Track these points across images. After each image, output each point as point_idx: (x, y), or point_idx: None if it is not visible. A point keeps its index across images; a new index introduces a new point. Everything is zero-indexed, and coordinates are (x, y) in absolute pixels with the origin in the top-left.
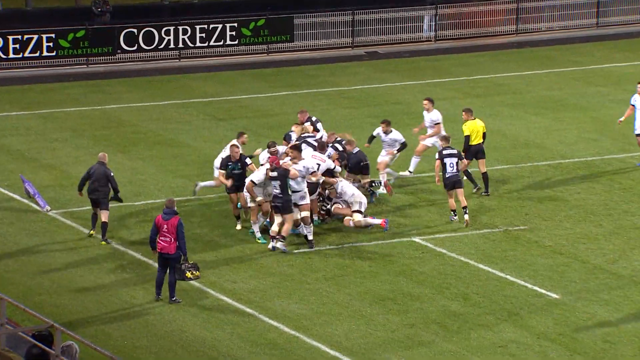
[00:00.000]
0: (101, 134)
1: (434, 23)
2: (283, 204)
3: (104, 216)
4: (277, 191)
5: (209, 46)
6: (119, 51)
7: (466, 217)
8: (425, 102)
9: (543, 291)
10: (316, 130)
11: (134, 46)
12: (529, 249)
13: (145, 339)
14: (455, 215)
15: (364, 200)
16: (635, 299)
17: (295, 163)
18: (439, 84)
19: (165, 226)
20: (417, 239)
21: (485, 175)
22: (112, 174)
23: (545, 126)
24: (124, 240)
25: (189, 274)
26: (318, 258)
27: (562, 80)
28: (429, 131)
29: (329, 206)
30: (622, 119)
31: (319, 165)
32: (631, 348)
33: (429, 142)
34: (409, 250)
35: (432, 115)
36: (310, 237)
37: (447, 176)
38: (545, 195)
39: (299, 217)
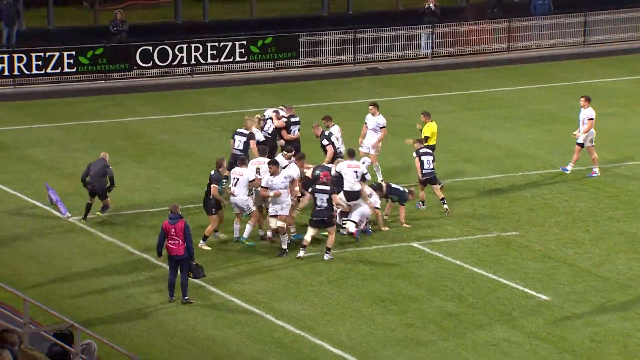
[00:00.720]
0: (118, 144)
1: (431, 41)
2: (329, 218)
3: (106, 202)
4: (324, 205)
5: (219, 62)
6: (135, 67)
7: (445, 206)
8: (371, 107)
9: (533, 293)
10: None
11: (149, 63)
12: (520, 253)
13: (159, 337)
14: (424, 205)
15: (367, 213)
16: (619, 301)
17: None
18: (436, 98)
19: (173, 230)
20: (415, 244)
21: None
22: (110, 167)
23: (537, 138)
24: (140, 244)
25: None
26: (322, 262)
27: (552, 95)
28: (371, 134)
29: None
30: (576, 132)
31: (355, 172)
32: (616, 346)
33: (373, 150)
34: (407, 254)
35: (379, 119)
36: (285, 247)
37: (423, 172)
38: (535, 202)
39: (275, 225)
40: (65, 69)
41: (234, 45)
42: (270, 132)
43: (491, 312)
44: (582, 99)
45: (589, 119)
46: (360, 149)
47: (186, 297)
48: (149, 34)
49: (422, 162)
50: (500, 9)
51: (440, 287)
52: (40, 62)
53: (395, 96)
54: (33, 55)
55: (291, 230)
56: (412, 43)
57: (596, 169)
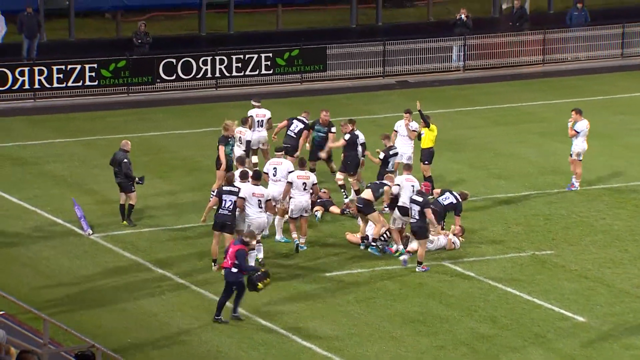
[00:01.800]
0: (141, 160)
1: (462, 53)
2: (420, 229)
3: (131, 199)
4: (417, 217)
5: (244, 75)
6: (158, 80)
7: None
8: (407, 115)
9: (570, 314)
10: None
11: (173, 75)
12: (556, 273)
13: (183, 358)
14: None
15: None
16: None
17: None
18: (468, 112)
19: (230, 249)
20: (446, 263)
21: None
22: (125, 160)
23: None
24: (163, 263)
25: (260, 285)
26: (349, 281)
27: (588, 109)
28: (403, 140)
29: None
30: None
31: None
32: None
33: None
34: (438, 273)
35: (412, 125)
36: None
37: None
38: (571, 220)
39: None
40: (87, 82)
41: (259, 58)
42: (296, 132)
43: (525, 334)
44: (574, 112)
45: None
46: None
47: (219, 317)
48: (173, 46)
49: (387, 163)
50: (524, 22)
51: (472, 308)
52: (61, 75)
53: (426, 110)
54: (54, 68)
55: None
56: (443, 55)
57: (576, 183)
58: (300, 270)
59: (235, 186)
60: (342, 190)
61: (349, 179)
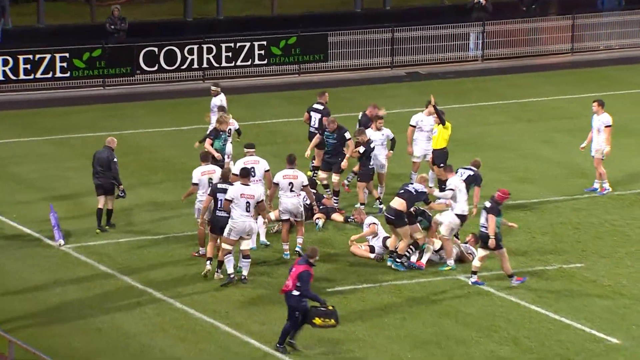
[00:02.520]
0: (119, 161)
1: (480, 41)
2: (485, 237)
3: (109, 203)
4: (485, 224)
5: (235, 66)
6: (138, 72)
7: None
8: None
9: (602, 335)
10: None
11: (155, 66)
12: (586, 289)
13: None
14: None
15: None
16: None
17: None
18: (487, 108)
19: (293, 269)
20: (462, 277)
21: None
22: (115, 160)
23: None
24: (143, 277)
25: (318, 321)
26: (354, 298)
27: (622, 104)
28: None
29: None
30: (584, 144)
31: None
32: None
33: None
34: (453, 289)
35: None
36: (230, 271)
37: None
38: (603, 229)
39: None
40: (58, 74)
41: (252, 46)
42: (316, 126)
43: (551, 357)
44: (595, 104)
45: (605, 127)
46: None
47: (281, 346)
48: (155, 32)
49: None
50: (538, 6)
51: (491, 328)
52: (28, 66)
53: (439, 105)
54: (20, 57)
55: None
56: (459, 43)
57: (605, 185)
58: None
59: (230, 184)
60: (327, 189)
61: (365, 188)
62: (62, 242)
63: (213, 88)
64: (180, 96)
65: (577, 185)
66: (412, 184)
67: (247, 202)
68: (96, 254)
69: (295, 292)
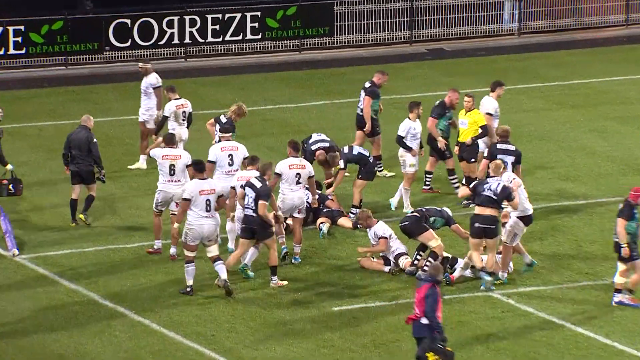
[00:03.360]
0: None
1: (517, 12)
2: (617, 246)
3: (92, 190)
4: None
5: (223, 42)
6: (107, 48)
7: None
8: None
9: None
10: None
11: (127, 42)
12: None
13: None
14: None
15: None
16: None
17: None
18: (525, 91)
19: (416, 295)
20: (495, 294)
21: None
22: (95, 140)
23: None
24: (113, 293)
25: (431, 356)
26: (365, 317)
27: None
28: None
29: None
30: None
31: None
32: None
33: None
34: (484, 308)
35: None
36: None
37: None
38: None
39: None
40: (11, 51)
41: (243, 18)
42: (361, 107)
43: None
44: None
45: None
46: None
47: None
48: (127, 1)
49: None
50: None
51: (530, 355)
52: None
53: (467, 88)
54: None
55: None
56: (491, 14)
57: None
58: (299, 303)
59: (259, 178)
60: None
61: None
62: (16, 251)
63: (142, 65)
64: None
65: (632, 184)
66: (487, 183)
67: (207, 200)
68: (57, 265)
69: (425, 321)
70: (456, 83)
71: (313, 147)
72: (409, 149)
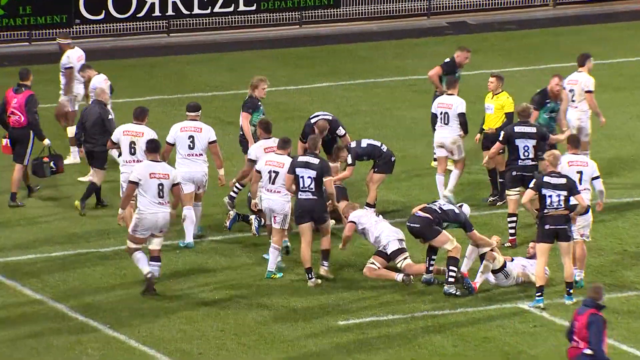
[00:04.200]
0: (52, 144)
1: None
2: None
3: (96, 177)
4: None
5: (212, 13)
6: (77, 21)
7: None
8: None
9: None
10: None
11: (100, 14)
12: None
13: None
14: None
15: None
16: None
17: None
18: (561, 70)
19: (576, 321)
20: (525, 305)
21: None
22: (110, 117)
23: None
24: (85, 305)
25: None
26: (376, 333)
27: None
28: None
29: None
30: None
31: None
32: None
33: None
34: (513, 321)
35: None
36: None
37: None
38: None
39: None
40: None
41: None
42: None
43: None
44: None
45: None
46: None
47: None
48: None
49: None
50: None
51: None
52: None
53: (495, 67)
54: None
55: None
56: None
57: None
58: (299, 316)
59: (313, 154)
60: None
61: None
62: None
63: (60, 40)
64: (136, 55)
65: None
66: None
67: (160, 185)
68: (20, 272)
69: (588, 351)
70: (481, 62)
71: (312, 121)
72: (466, 132)
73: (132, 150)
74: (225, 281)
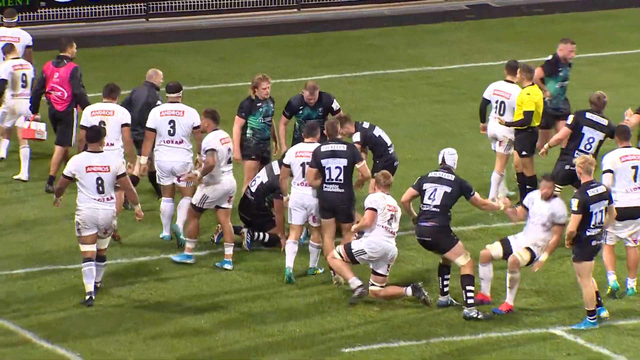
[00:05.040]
0: (12, 145)
1: None
2: None
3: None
4: None
5: None
6: (43, 4)
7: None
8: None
9: None
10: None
11: None
12: None
13: None
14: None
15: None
16: None
17: None
18: (597, 61)
19: None
20: (558, 330)
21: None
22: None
23: None
24: (55, 331)
25: None
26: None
27: None
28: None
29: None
30: None
31: None
32: None
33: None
34: (543, 349)
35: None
36: None
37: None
38: None
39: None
40: None
41: None
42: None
43: None
44: None
45: None
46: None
47: None
48: None
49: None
50: None
51: None
52: None
53: (523, 57)
54: None
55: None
56: None
57: None
58: (298, 342)
59: (338, 141)
60: None
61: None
62: None
63: (6, 19)
64: (111, 43)
65: None
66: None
67: (99, 179)
68: None
69: None
70: (507, 51)
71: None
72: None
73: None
74: (213, 303)
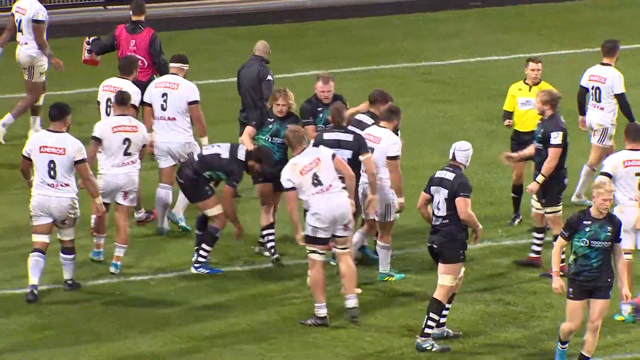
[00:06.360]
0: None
1: None
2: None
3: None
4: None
5: None
6: None
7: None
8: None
9: None
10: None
11: None
12: None
13: None
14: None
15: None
16: None
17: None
18: (624, 54)
19: None
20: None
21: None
22: (269, 78)
23: None
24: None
25: None
26: None
27: None
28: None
29: None
30: None
31: None
32: None
33: None
34: None
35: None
36: None
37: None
38: None
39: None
40: None
41: None
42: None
43: None
44: None
45: None
46: None
47: None
48: None
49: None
50: None
51: None
52: None
53: (533, 50)
54: None
55: None
56: None
57: None
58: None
59: (343, 129)
60: None
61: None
62: None
63: None
64: (66, 34)
65: None
66: None
67: (51, 162)
68: None
69: None
70: (516, 43)
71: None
72: (629, 118)
73: (108, 110)
74: (212, 325)
